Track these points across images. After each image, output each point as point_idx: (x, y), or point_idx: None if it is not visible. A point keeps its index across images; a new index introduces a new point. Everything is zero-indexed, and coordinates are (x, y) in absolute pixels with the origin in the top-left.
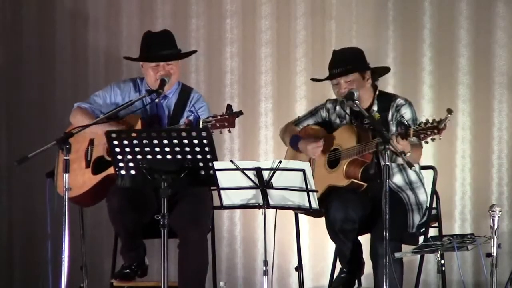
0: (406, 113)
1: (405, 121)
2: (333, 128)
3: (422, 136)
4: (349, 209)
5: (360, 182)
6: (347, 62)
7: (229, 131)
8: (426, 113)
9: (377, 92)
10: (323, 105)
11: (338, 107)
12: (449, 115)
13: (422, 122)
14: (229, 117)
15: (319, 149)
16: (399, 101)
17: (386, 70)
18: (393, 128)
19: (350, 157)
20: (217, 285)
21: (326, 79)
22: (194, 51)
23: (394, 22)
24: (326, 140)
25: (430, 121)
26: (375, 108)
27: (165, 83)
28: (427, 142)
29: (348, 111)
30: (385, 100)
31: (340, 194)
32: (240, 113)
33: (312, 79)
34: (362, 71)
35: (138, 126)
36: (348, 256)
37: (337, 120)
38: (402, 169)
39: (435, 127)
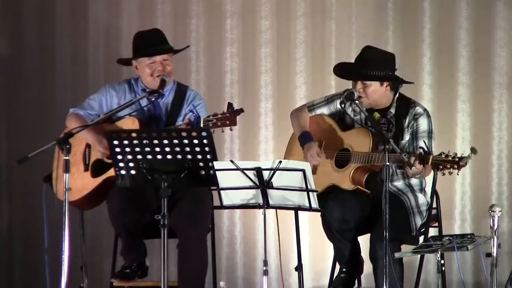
0: (423, 124)
1: (426, 147)
2: (345, 123)
3: (440, 167)
4: (346, 209)
5: (365, 190)
6: (369, 68)
7: (231, 129)
8: None
9: (397, 95)
10: (340, 95)
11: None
12: (472, 154)
13: (443, 153)
14: (230, 115)
15: (315, 161)
16: (418, 109)
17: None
18: (407, 137)
19: (360, 162)
20: (217, 285)
21: (346, 78)
22: (187, 46)
23: (394, 22)
24: (337, 138)
25: (452, 154)
26: (392, 111)
27: (165, 83)
28: (443, 174)
29: (364, 109)
30: (404, 105)
31: (337, 194)
32: (241, 110)
33: (339, 63)
34: (379, 80)
35: (136, 126)
36: (347, 256)
37: (352, 114)
38: (406, 176)
39: (456, 163)
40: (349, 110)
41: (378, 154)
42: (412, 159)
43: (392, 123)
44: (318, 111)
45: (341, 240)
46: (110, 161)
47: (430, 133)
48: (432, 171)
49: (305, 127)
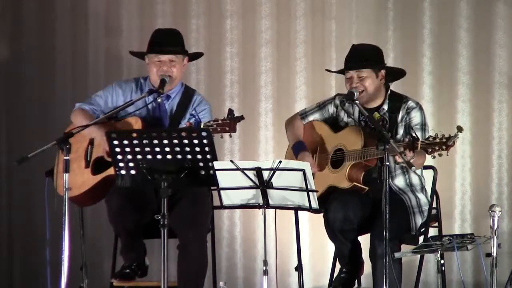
0: (416, 117)
1: (414, 133)
2: (338, 126)
3: (429, 150)
4: (348, 210)
5: (362, 186)
6: (363, 57)
7: (230, 136)
8: (426, 113)
9: (389, 92)
10: (331, 100)
11: (347, 104)
12: (458, 133)
13: (430, 136)
14: (231, 122)
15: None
16: (410, 103)
17: (401, 74)
18: (401, 131)
19: (354, 160)
20: (217, 285)
21: (340, 72)
22: (201, 53)
23: (394, 22)
24: (331, 140)
25: (439, 136)
26: (385, 107)
27: (165, 83)
28: (434, 157)
29: (356, 112)
30: (396, 100)
31: (339, 195)
32: (241, 118)
33: (327, 70)
34: (376, 68)
35: (139, 126)
36: (348, 256)
37: (345, 117)
38: (405, 172)
39: (444, 143)
40: (342, 113)
41: (371, 148)
42: (401, 148)
43: (386, 120)
44: (311, 118)
45: (342, 240)
46: (110, 159)
47: (423, 125)
48: (425, 158)
49: (299, 137)
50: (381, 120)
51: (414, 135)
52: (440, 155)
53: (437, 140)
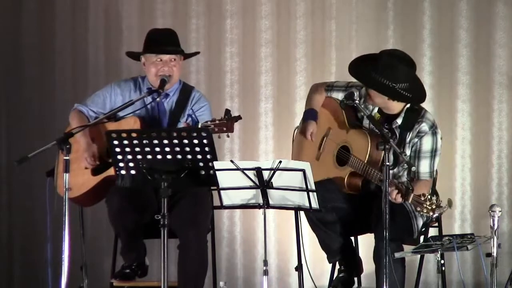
0: (426, 143)
1: (410, 184)
2: (355, 116)
3: (418, 208)
4: (327, 198)
5: (356, 193)
6: (376, 72)
7: (228, 136)
8: None
9: (408, 106)
10: (360, 87)
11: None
12: (447, 207)
13: (423, 195)
14: (228, 122)
15: (308, 137)
16: (423, 126)
17: (420, 100)
18: (407, 151)
19: (355, 168)
20: (217, 285)
21: (362, 82)
22: (197, 52)
23: (394, 22)
24: (342, 131)
25: (432, 200)
26: (399, 121)
27: (166, 83)
28: (421, 214)
29: (374, 110)
30: (412, 117)
31: (324, 185)
32: (238, 117)
33: (350, 69)
34: (376, 89)
35: (137, 126)
36: (336, 249)
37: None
38: (409, 170)
39: (432, 210)
40: (361, 102)
41: (373, 171)
42: (394, 192)
43: (396, 134)
44: (334, 95)
45: (326, 231)
46: (110, 160)
47: (433, 151)
48: (430, 187)
49: (314, 106)
50: (380, 120)
51: (410, 184)
52: (426, 215)
53: (427, 202)
